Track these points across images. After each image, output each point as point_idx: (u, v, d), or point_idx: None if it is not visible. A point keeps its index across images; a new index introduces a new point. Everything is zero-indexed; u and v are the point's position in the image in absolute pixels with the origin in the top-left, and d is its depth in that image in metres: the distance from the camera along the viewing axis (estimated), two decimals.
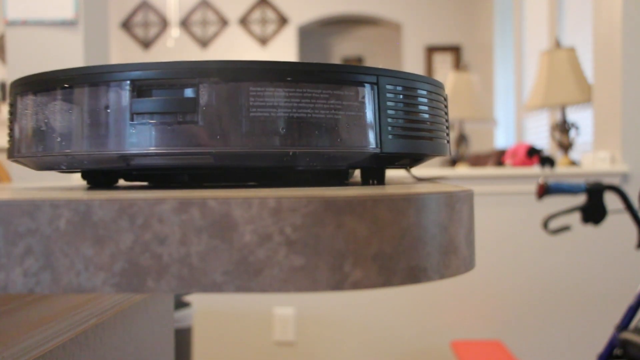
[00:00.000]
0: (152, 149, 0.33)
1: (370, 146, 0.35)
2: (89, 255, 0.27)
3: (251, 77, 0.33)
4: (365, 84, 0.35)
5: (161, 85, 0.33)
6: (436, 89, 0.40)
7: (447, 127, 0.43)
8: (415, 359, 2.22)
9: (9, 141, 0.40)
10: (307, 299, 2.24)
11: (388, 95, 0.36)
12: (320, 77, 0.34)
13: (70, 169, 0.38)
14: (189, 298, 2.26)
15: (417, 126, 0.38)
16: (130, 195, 0.27)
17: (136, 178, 0.46)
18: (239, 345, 2.26)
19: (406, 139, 0.37)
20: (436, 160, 5.11)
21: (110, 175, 0.46)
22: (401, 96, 0.37)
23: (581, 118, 3.05)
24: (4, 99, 4.66)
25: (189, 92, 0.33)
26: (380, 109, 0.36)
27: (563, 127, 2.47)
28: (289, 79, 0.33)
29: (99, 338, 0.57)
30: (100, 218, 0.27)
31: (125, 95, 0.33)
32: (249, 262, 0.26)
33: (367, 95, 0.35)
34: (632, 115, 2.13)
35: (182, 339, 1.90)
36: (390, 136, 0.36)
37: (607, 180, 2.15)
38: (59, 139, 0.35)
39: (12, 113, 0.39)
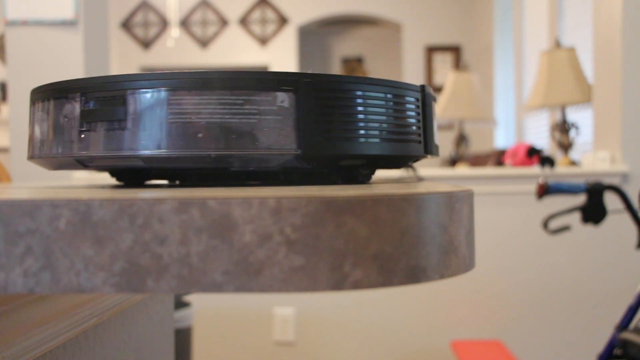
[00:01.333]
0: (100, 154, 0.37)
1: (291, 148, 0.37)
2: (89, 255, 0.27)
3: (173, 86, 0.36)
4: (285, 90, 0.37)
5: (102, 96, 0.37)
6: (380, 89, 0.41)
7: (409, 127, 0.43)
8: (415, 359, 2.22)
9: (29, 143, 0.44)
10: (307, 299, 2.24)
11: (312, 99, 0.37)
12: (240, 84, 0.36)
13: (81, 168, 0.42)
14: (189, 298, 2.26)
15: (347, 127, 0.39)
16: (130, 195, 0.27)
17: (163, 178, 0.50)
18: (239, 345, 2.26)
19: (334, 140, 0.38)
20: (436, 160, 5.11)
21: (137, 175, 0.49)
22: (327, 99, 0.38)
23: (581, 118, 3.05)
24: (4, 99, 4.66)
25: (118, 102, 0.37)
26: (302, 112, 0.37)
27: (563, 127, 2.47)
28: (206, 87, 0.36)
29: (99, 338, 0.57)
30: (100, 218, 0.27)
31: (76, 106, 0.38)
32: (249, 262, 0.26)
33: (288, 100, 0.37)
34: (632, 115, 2.13)
35: (182, 339, 1.90)
36: (314, 138, 0.37)
37: (607, 180, 2.15)
38: (71, 142, 0.39)
39: (32, 118, 0.43)
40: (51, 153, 0.40)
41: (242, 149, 0.36)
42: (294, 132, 0.37)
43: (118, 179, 0.50)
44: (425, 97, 0.45)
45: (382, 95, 0.40)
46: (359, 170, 0.45)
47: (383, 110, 0.41)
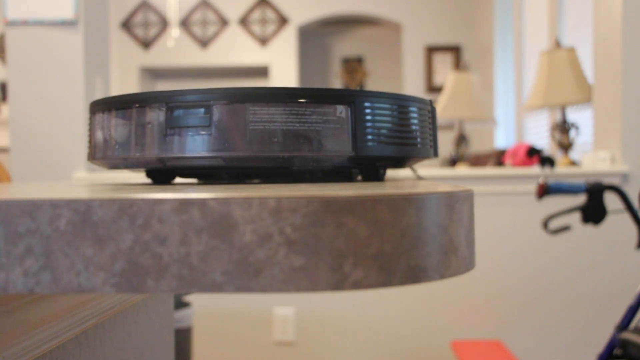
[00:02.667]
0: (186, 154, 0.44)
1: (346, 150, 0.45)
2: (89, 255, 0.27)
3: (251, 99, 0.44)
4: (344, 103, 0.45)
5: (191, 106, 0.44)
6: (414, 104, 0.50)
7: (429, 134, 0.52)
8: (415, 359, 2.22)
9: (88, 147, 0.52)
10: (307, 299, 2.24)
11: (365, 111, 0.46)
12: (310, 98, 0.44)
13: (130, 168, 0.49)
14: (189, 298, 2.26)
15: (389, 134, 0.47)
16: (130, 195, 0.27)
17: (189, 177, 0.56)
18: (239, 345, 2.26)
19: (380, 144, 0.47)
20: (436, 160, 5.11)
21: (169, 174, 0.55)
22: (374, 111, 0.47)
23: (581, 118, 3.05)
24: (4, 99, 4.66)
25: (203, 111, 0.44)
26: (356, 122, 0.46)
27: (563, 127, 2.47)
28: (279, 100, 0.43)
29: (99, 338, 0.57)
30: (100, 218, 0.27)
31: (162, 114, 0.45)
32: (249, 262, 0.26)
33: (345, 111, 0.45)
34: (632, 115, 2.13)
35: (182, 339, 1.90)
36: (366, 143, 0.46)
37: (607, 180, 2.15)
38: (121, 146, 0.47)
39: (91, 126, 0.51)
40: (131, 154, 0.47)
41: (308, 152, 0.44)
42: (350, 138, 0.45)
43: (150, 177, 0.56)
44: (433, 109, 0.54)
45: (410, 108, 0.49)
46: (380, 169, 0.52)
47: (410, 120, 0.49)
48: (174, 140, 0.44)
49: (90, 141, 0.51)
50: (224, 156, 0.43)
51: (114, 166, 0.49)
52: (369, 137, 0.46)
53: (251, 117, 0.43)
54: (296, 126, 0.43)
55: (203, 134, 0.43)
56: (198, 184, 0.49)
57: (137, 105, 0.45)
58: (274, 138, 0.43)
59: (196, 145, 0.44)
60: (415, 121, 0.50)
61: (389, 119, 0.47)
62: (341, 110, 0.45)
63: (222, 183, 0.50)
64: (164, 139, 0.44)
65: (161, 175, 0.55)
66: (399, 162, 0.50)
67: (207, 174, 0.54)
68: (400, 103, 0.48)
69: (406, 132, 0.49)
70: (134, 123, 0.46)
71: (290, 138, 0.43)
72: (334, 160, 0.45)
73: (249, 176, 0.52)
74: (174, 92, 0.44)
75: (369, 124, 0.46)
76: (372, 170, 0.51)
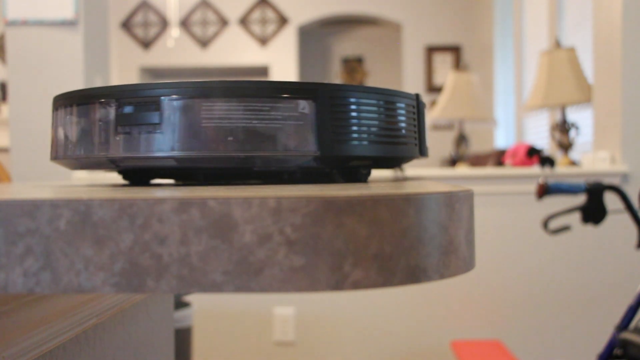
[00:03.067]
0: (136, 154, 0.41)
1: (310, 150, 0.41)
2: (89, 255, 0.27)
3: (205, 94, 0.40)
4: (306, 98, 0.41)
5: (142, 102, 0.40)
6: (389, 97, 0.45)
7: (409, 131, 0.48)
8: (415, 359, 2.22)
9: (51, 145, 0.48)
10: (307, 299, 2.24)
11: (331, 106, 0.42)
12: (264, 92, 0.40)
13: (85, 169, 0.46)
14: (189, 298, 2.26)
15: (361, 131, 0.43)
16: (130, 195, 0.27)
17: (167, 177, 0.53)
18: (239, 345, 2.26)
19: (350, 143, 0.42)
20: (435, 160, 5.11)
21: (145, 174, 0.52)
22: (344, 107, 0.42)
23: (581, 118, 3.05)
24: (4, 99, 4.66)
25: (153, 108, 0.40)
26: (321, 118, 0.41)
27: (563, 127, 2.47)
28: (234, 95, 0.40)
29: (99, 338, 0.57)
30: (100, 218, 0.27)
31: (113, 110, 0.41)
32: (249, 262, 0.26)
33: (308, 107, 0.41)
34: (632, 115, 2.13)
35: (182, 339, 1.90)
36: (333, 141, 0.42)
37: (607, 180, 2.15)
38: (75, 145, 0.43)
39: (54, 122, 0.47)
40: (80, 154, 0.43)
41: (267, 151, 0.40)
42: (314, 136, 0.41)
43: (126, 178, 0.53)
44: (419, 104, 0.49)
45: (384, 103, 0.45)
46: (360, 170, 0.48)
47: (386, 116, 0.45)
48: (125, 140, 0.41)
49: (52, 139, 0.48)
50: (176, 156, 0.40)
51: (72, 166, 0.46)
52: (337, 135, 0.42)
53: (205, 114, 0.40)
54: (253, 123, 0.40)
55: (153, 133, 0.40)
56: (175, 184, 0.47)
57: (90, 101, 0.42)
58: (229, 136, 0.39)
59: (148, 145, 0.40)
60: (395, 117, 0.45)
61: (361, 114, 0.43)
62: (304, 106, 0.41)
63: (199, 184, 0.48)
64: (114, 138, 0.41)
65: (136, 176, 0.52)
66: (379, 162, 0.47)
67: (183, 175, 0.51)
68: (376, 97, 0.44)
69: (383, 128, 0.44)
70: (87, 120, 0.42)
71: (248, 136, 0.40)
72: (298, 160, 0.41)
73: (226, 177, 0.49)
74: (125, 86, 0.41)
75: (336, 121, 0.42)
76: (351, 172, 0.48)
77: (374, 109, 0.44)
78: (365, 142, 0.43)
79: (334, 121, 0.42)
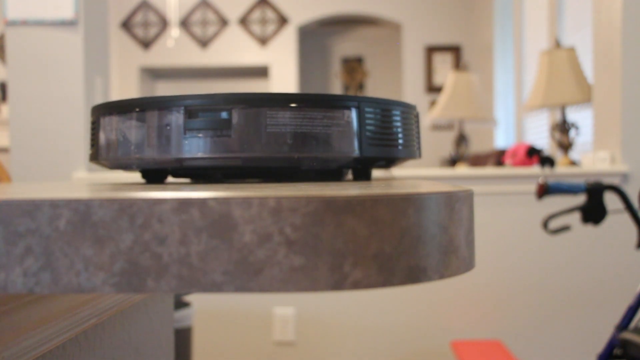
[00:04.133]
0: (200, 155, 0.46)
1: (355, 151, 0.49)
2: (89, 255, 0.27)
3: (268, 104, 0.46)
4: (351, 108, 0.49)
5: (206, 109, 0.46)
6: (406, 109, 0.54)
7: (416, 137, 0.57)
8: (415, 359, 2.22)
9: (92, 147, 0.53)
10: (307, 299, 2.24)
11: (368, 115, 0.50)
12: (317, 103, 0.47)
13: (138, 169, 0.51)
14: (189, 298, 2.26)
15: (388, 137, 0.52)
16: (130, 195, 0.27)
17: (181, 176, 0.58)
18: (239, 345, 2.26)
19: (379, 147, 0.51)
20: (435, 160, 5.11)
21: (162, 174, 0.57)
22: (376, 116, 0.51)
23: (581, 118, 3.05)
24: (4, 99, 4.66)
25: (224, 115, 0.46)
26: (361, 125, 0.49)
27: (563, 127, 2.47)
28: (293, 105, 0.46)
29: (99, 338, 0.57)
30: (100, 218, 0.27)
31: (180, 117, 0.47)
32: (249, 262, 0.26)
33: (352, 115, 0.49)
34: (632, 115, 2.13)
35: (182, 339, 1.90)
36: (368, 144, 0.49)
37: (607, 180, 2.15)
38: (132, 147, 0.49)
39: (95, 128, 0.53)
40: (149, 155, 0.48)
41: (320, 153, 0.47)
42: (356, 140, 0.49)
43: (145, 178, 0.58)
44: (417, 114, 0.58)
45: (400, 112, 0.53)
46: (368, 169, 0.55)
47: (403, 124, 0.53)
48: (193, 142, 0.46)
49: (103, 142, 0.52)
50: (243, 157, 0.46)
51: (128, 167, 0.51)
52: (371, 139, 0.49)
53: (268, 121, 0.46)
54: (308, 129, 0.47)
55: (222, 137, 0.46)
56: (191, 183, 0.50)
57: (160, 108, 0.47)
58: (287, 140, 0.46)
59: (216, 147, 0.46)
60: (405, 125, 0.54)
61: (385, 122, 0.51)
62: (348, 115, 0.49)
63: (216, 182, 0.52)
64: (183, 140, 0.46)
65: (156, 175, 0.56)
66: (391, 162, 0.53)
67: (201, 174, 0.55)
68: (395, 108, 0.52)
69: (399, 134, 0.52)
70: (155, 125, 0.47)
71: (304, 140, 0.46)
72: (342, 160, 0.48)
73: (240, 176, 0.53)
74: (197, 96, 0.46)
75: (370, 127, 0.50)
76: (364, 170, 0.54)
77: (396, 117, 0.52)
78: (388, 145, 0.51)
79: (368, 127, 0.50)
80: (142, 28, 5.47)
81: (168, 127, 0.47)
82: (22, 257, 0.27)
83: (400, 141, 0.52)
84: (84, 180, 1.72)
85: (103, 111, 0.51)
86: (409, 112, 0.54)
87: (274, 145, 0.46)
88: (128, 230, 0.27)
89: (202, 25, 5.42)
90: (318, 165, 0.48)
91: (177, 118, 0.46)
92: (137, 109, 0.48)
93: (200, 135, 0.46)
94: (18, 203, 0.27)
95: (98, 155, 0.52)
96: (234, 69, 5.80)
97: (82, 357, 0.53)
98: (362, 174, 0.55)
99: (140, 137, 0.48)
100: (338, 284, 0.27)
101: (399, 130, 0.52)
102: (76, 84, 2.22)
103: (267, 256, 0.26)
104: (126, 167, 0.51)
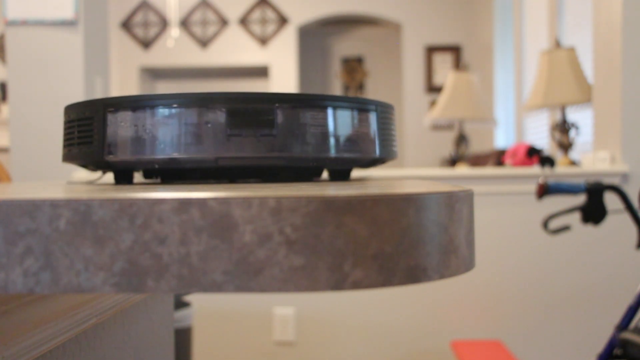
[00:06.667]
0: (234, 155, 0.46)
1: (376, 153, 0.52)
2: (89, 255, 0.27)
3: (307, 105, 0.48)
4: (372, 111, 0.52)
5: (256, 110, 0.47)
6: (392, 111, 0.56)
7: (394, 137, 0.60)
8: (415, 359, 2.22)
9: (108, 145, 0.51)
10: (307, 299, 2.24)
11: (381, 119, 0.53)
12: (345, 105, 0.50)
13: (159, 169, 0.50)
14: (189, 298, 2.26)
15: (387, 138, 0.54)
16: (130, 195, 0.27)
17: (181, 177, 0.57)
18: (239, 345, 2.26)
19: (385, 147, 0.54)
20: (435, 160, 5.11)
21: (165, 174, 0.56)
22: (384, 118, 0.54)
23: (581, 118, 3.05)
24: (4, 99, 4.66)
25: (267, 114, 0.47)
26: (379, 127, 0.52)
27: (563, 127, 2.47)
28: (323, 105, 0.48)
29: (99, 338, 0.57)
30: (100, 218, 0.27)
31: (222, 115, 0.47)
32: (249, 262, 0.26)
33: (372, 118, 0.52)
34: (632, 115, 2.13)
35: (182, 339, 1.90)
36: (382, 145, 0.52)
37: (607, 180, 2.15)
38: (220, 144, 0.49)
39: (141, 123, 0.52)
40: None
41: (353, 153, 0.49)
42: (378, 141, 0.52)
43: (147, 177, 0.57)
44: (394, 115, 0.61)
45: (391, 116, 0.56)
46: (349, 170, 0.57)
47: (391, 125, 0.56)
48: (236, 141, 0.46)
49: (129, 140, 0.49)
50: (286, 156, 0.46)
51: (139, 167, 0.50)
52: (385, 140, 0.53)
53: (311, 121, 0.47)
54: (346, 130, 0.49)
55: (268, 136, 0.46)
56: (162, 183, 0.49)
57: (206, 105, 0.47)
58: (326, 140, 0.48)
59: (260, 146, 0.46)
60: (393, 126, 0.57)
61: (391, 125, 0.55)
62: (371, 118, 0.51)
63: (192, 183, 0.50)
64: (226, 139, 0.46)
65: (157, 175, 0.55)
66: (372, 163, 0.56)
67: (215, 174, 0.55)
68: (389, 111, 0.55)
69: (394, 135, 0.56)
70: (198, 122, 0.47)
71: (344, 141, 0.49)
72: (364, 160, 0.50)
73: (220, 176, 0.52)
74: (240, 93, 0.47)
75: (385, 130, 0.53)
76: (341, 171, 0.55)
77: (388, 121, 0.55)
78: (390, 146, 0.54)
79: (383, 130, 0.53)
80: (142, 28, 5.47)
81: (208, 125, 0.46)
82: (22, 257, 0.27)
83: (390, 142, 0.55)
84: (83, 181, 1.72)
85: (141, 104, 0.49)
86: (393, 113, 0.57)
87: (312, 145, 0.47)
88: (128, 230, 0.27)
89: (202, 25, 5.42)
90: (345, 166, 0.50)
91: (218, 116, 0.46)
92: (186, 106, 0.47)
93: (243, 134, 0.46)
94: (18, 203, 0.27)
95: (98, 155, 0.51)
96: (234, 69, 5.80)
97: (82, 357, 0.53)
98: (338, 175, 0.56)
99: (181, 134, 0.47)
100: (338, 284, 0.27)
101: (391, 131, 0.55)
102: (76, 84, 2.22)
103: (267, 256, 0.26)
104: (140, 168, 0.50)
